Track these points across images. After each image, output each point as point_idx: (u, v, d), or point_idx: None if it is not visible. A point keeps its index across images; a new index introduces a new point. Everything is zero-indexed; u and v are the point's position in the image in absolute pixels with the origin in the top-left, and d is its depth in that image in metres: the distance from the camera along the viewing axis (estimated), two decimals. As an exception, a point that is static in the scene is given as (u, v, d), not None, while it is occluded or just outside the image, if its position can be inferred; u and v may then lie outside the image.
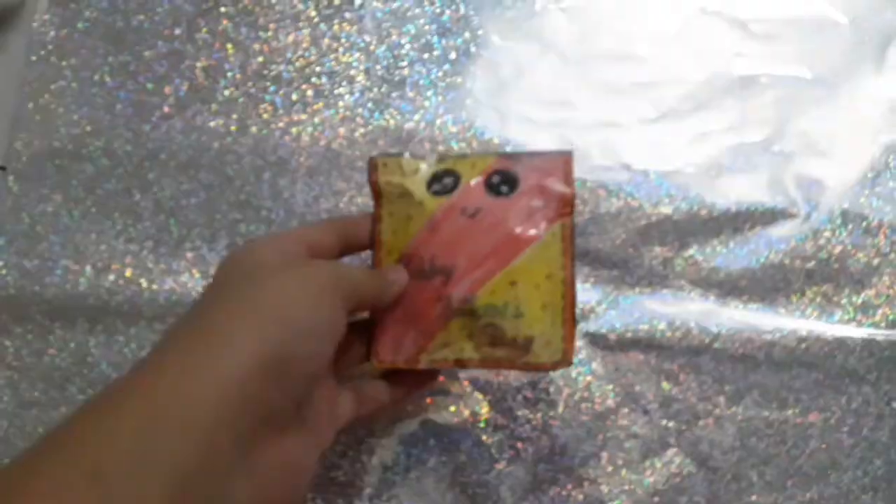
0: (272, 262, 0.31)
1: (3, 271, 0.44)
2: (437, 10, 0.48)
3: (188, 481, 0.25)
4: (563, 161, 0.36)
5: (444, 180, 0.36)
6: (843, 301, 0.45)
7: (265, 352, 0.27)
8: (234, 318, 0.28)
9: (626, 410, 0.44)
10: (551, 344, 0.34)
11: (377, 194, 0.37)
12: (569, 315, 0.35)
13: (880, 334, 0.45)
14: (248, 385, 0.27)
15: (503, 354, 0.35)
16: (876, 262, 0.46)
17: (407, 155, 0.37)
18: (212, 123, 0.46)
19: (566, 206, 0.35)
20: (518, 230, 0.35)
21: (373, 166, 0.37)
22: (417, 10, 0.48)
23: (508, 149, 0.46)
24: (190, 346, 0.27)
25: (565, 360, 0.34)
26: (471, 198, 0.35)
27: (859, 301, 0.45)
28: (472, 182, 0.36)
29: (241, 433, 0.27)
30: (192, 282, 0.44)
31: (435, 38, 0.48)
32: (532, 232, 0.35)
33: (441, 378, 0.43)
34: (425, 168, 0.37)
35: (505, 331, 0.34)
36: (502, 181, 0.36)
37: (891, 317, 0.45)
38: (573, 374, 0.44)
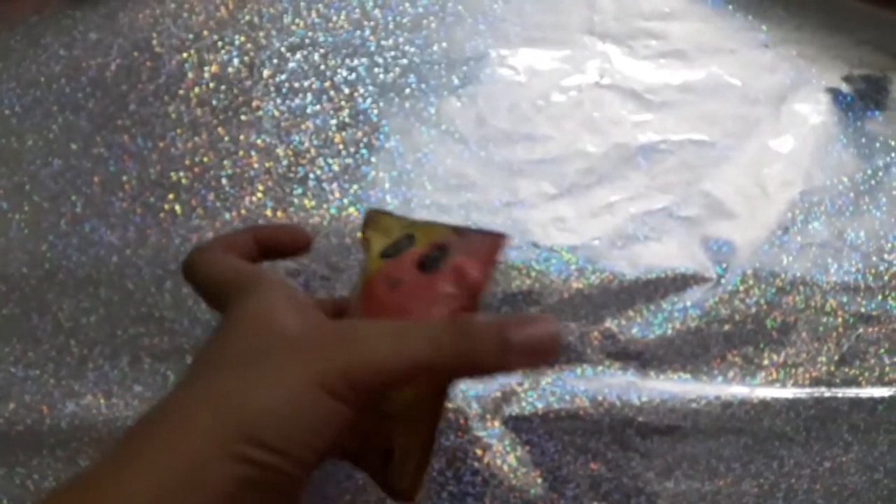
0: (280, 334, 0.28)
1: None
2: (337, 106, 0.48)
3: None
4: (490, 243, 0.33)
5: (399, 243, 0.34)
6: (765, 362, 0.45)
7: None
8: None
9: (555, 496, 0.42)
10: (405, 465, 0.31)
11: (364, 249, 0.35)
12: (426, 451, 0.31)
13: (804, 392, 0.44)
14: None
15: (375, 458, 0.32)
16: (792, 319, 0.46)
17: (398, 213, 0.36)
18: (110, 237, 0.45)
19: (473, 296, 0.31)
20: (414, 317, 0.31)
21: (367, 219, 0.36)
22: (317, 108, 0.48)
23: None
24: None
25: (407, 495, 0.31)
26: (401, 267, 0.33)
27: (780, 360, 0.45)
28: (417, 250, 0.33)
29: None
30: (95, 403, 0.42)
31: (335, 134, 0.48)
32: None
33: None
34: (397, 229, 0.35)
35: (390, 429, 0.31)
36: (439, 256, 0.33)
37: (814, 374, 0.45)
38: (498, 463, 0.42)
